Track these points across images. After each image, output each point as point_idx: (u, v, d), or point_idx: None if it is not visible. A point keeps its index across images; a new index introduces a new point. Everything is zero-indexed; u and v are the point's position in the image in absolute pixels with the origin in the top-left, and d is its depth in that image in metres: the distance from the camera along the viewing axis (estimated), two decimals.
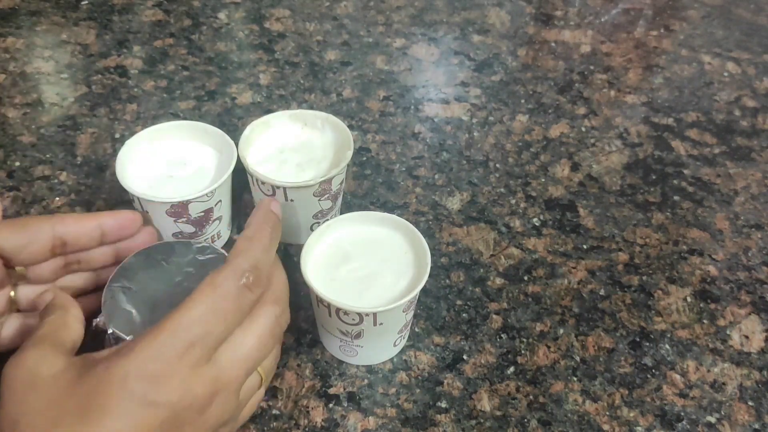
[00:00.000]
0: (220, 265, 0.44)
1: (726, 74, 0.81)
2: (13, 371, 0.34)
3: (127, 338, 0.40)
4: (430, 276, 0.45)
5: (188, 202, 0.50)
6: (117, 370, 0.32)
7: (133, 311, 0.41)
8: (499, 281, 0.55)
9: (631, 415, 0.47)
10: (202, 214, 0.51)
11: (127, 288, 0.42)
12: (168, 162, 0.54)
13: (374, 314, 0.43)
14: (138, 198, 0.50)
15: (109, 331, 0.40)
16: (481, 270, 0.56)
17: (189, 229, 0.52)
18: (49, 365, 0.34)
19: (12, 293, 0.43)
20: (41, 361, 0.34)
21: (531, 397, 0.48)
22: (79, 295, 0.46)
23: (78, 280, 0.46)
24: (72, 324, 0.38)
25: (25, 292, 0.44)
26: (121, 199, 0.60)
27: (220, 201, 0.53)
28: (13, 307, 0.43)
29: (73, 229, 0.43)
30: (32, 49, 0.77)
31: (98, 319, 0.43)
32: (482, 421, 0.46)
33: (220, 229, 0.55)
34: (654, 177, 0.66)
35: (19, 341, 0.42)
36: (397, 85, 0.76)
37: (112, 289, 0.42)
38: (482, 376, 0.49)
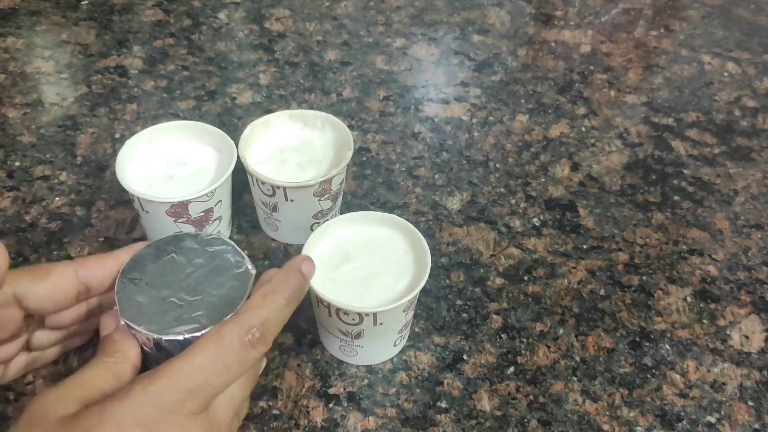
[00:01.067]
0: (229, 256, 0.44)
1: (726, 74, 0.81)
2: (33, 406, 0.34)
3: (139, 329, 0.40)
4: (430, 276, 0.45)
5: (188, 202, 0.50)
6: (113, 413, 0.32)
7: (145, 303, 0.41)
8: (499, 281, 0.55)
9: (631, 415, 0.47)
10: (202, 214, 0.51)
11: (138, 279, 0.43)
12: (168, 162, 0.54)
13: (374, 314, 0.43)
14: (138, 198, 0.50)
15: (122, 322, 0.41)
16: (481, 270, 0.56)
17: (189, 229, 0.52)
18: (63, 408, 0.33)
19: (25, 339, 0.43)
20: (58, 403, 0.34)
21: (531, 397, 0.48)
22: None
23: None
24: (115, 376, 0.38)
25: (39, 337, 0.43)
26: (121, 199, 0.60)
27: (220, 201, 0.53)
28: (24, 347, 0.43)
29: (94, 273, 0.42)
30: (32, 49, 0.77)
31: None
32: (482, 421, 0.46)
33: (220, 229, 0.55)
34: (654, 177, 0.66)
35: (22, 372, 0.43)
36: (397, 85, 0.76)
37: (123, 281, 0.43)
38: (482, 376, 0.49)
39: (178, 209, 0.50)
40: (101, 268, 0.42)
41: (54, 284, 0.40)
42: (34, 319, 0.42)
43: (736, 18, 0.91)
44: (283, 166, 0.54)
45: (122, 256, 0.43)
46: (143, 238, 0.57)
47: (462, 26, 0.86)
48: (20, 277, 0.38)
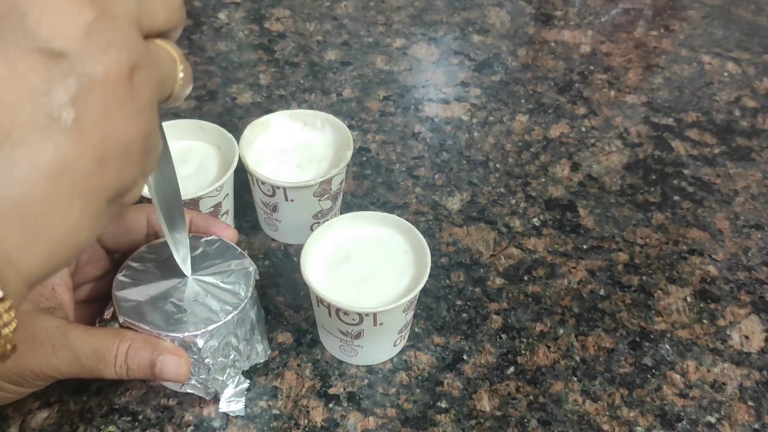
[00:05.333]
0: (228, 255, 0.44)
1: (726, 74, 0.81)
2: None
3: (140, 326, 0.40)
4: (430, 276, 0.45)
5: (199, 198, 0.50)
6: None
7: (144, 302, 0.41)
8: (499, 281, 0.55)
9: (631, 415, 0.47)
10: (212, 209, 0.52)
11: (138, 279, 0.43)
12: None
13: (374, 314, 0.43)
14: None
15: (120, 320, 0.41)
16: (481, 270, 0.56)
17: None
18: None
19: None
20: None
21: (531, 397, 0.48)
22: None
23: None
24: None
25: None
26: None
27: (228, 195, 0.53)
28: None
29: None
30: None
31: (107, 311, 0.43)
32: (482, 421, 0.46)
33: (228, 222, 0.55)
34: (654, 177, 0.66)
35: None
36: (397, 85, 0.76)
37: (122, 280, 0.43)
38: (482, 376, 0.49)
39: (190, 206, 0.50)
40: None
41: (127, 225, 0.44)
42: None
43: (736, 18, 0.91)
44: (283, 166, 0.54)
45: (193, 216, 0.46)
46: None
47: (462, 26, 0.86)
48: None
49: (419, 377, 0.48)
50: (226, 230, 0.47)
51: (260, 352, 0.46)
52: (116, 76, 0.23)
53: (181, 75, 0.28)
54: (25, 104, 0.21)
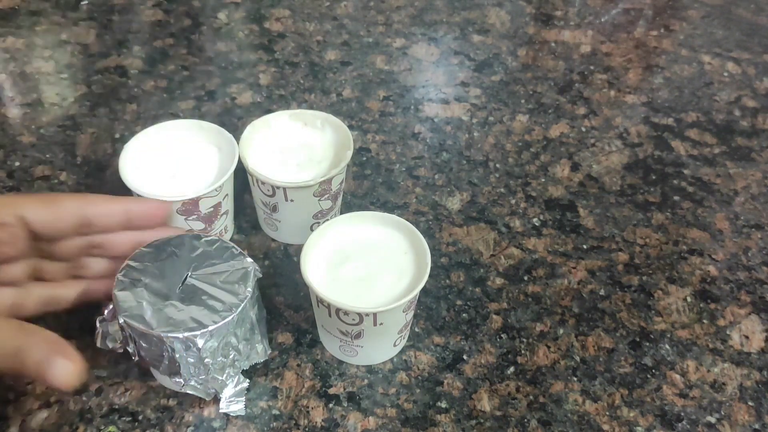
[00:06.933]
0: (229, 256, 0.44)
1: (726, 74, 0.81)
2: None
3: (139, 326, 0.40)
4: (430, 276, 0.45)
5: (199, 198, 0.50)
6: None
7: (143, 302, 0.41)
8: (499, 281, 0.55)
9: (631, 415, 0.47)
10: (212, 209, 0.52)
11: (138, 279, 0.43)
12: (168, 161, 0.54)
13: (374, 314, 0.43)
14: None
15: (120, 320, 0.41)
16: (481, 270, 0.56)
17: (199, 225, 0.52)
18: None
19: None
20: None
21: (531, 397, 0.48)
22: (97, 278, 0.47)
23: (97, 265, 0.47)
24: None
25: (49, 267, 0.45)
26: None
27: (227, 195, 0.53)
28: (35, 276, 0.45)
29: (100, 210, 0.44)
30: (32, 49, 0.77)
31: (107, 310, 0.43)
32: (482, 421, 0.46)
33: (227, 224, 0.55)
34: (654, 177, 0.66)
35: (42, 310, 0.44)
36: (397, 85, 0.76)
37: (122, 280, 0.43)
38: (482, 376, 0.49)
39: (189, 206, 0.50)
40: (106, 207, 0.45)
41: (57, 211, 0.43)
42: (43, 246, 0.44)
43: (736, 18, 0.91)
44: (283, 166, 0.54)
45: (131, 204, 0.45)
46: None
47: (462, 26, 0.86)
48: (28, 201, 0.42)
49: (419, 377, 0.48)
50: (165, 229, 0.46)
51: (260, 351, 0.46)
52: None
53: None
54: None
